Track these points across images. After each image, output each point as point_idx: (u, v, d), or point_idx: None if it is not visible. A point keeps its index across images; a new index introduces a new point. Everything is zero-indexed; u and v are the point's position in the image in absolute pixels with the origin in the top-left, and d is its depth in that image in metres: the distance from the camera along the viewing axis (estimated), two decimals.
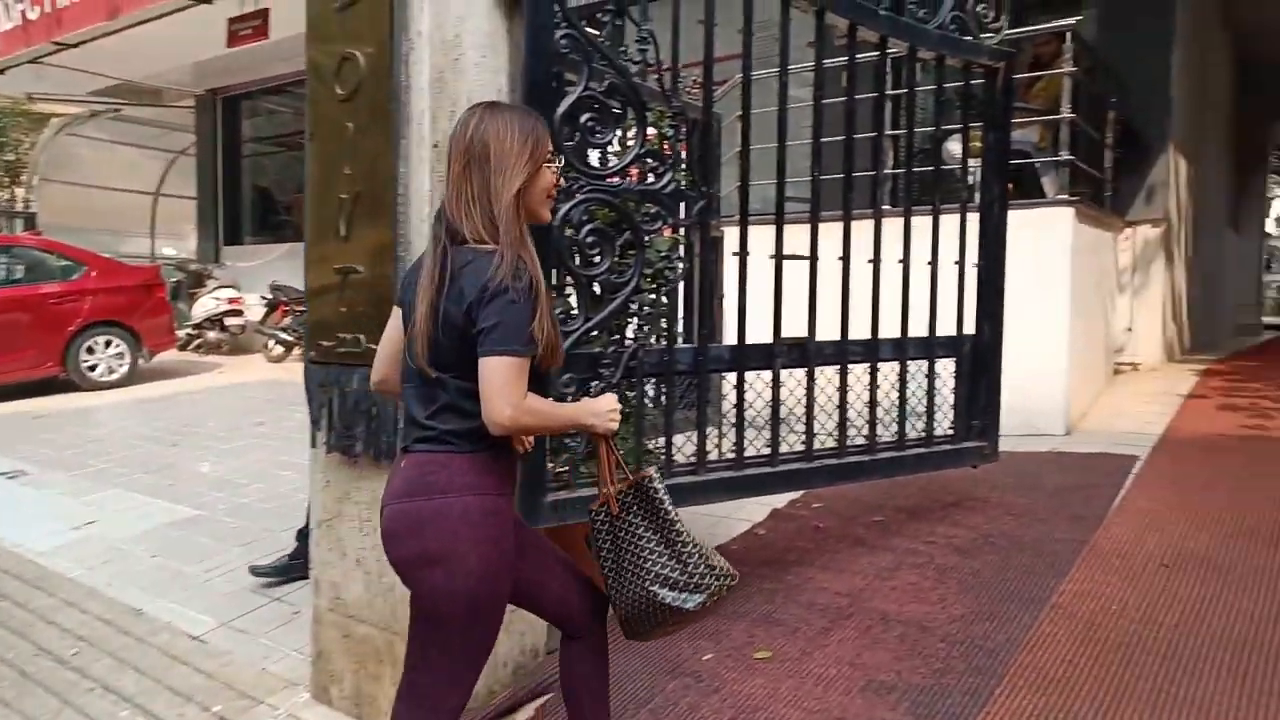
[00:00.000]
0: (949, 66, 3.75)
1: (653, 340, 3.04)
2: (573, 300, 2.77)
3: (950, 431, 3.93)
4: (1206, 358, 7.64)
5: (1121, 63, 6.44)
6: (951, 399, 3.95)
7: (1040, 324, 5.01)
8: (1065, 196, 5.15)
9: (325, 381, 2.64)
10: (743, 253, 3.19)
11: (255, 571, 3.64)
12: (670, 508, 1.82)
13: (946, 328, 3.88)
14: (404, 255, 2.41)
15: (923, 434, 3.80)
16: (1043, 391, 5.05)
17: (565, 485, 2.74)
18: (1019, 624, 2.89)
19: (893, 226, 3.61)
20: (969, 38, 3.76)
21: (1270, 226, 21.12)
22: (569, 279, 2.73)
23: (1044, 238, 5.03)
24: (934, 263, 3.76)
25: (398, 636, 2.48)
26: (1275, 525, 3.57)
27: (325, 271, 2.60)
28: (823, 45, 3.37)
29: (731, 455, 3.19)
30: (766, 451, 3.29)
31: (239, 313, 10.78)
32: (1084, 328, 5.36)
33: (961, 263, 3.89)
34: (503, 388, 1.58)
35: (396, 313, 1.83)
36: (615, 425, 1.81)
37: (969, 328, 3.96)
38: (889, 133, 5.31)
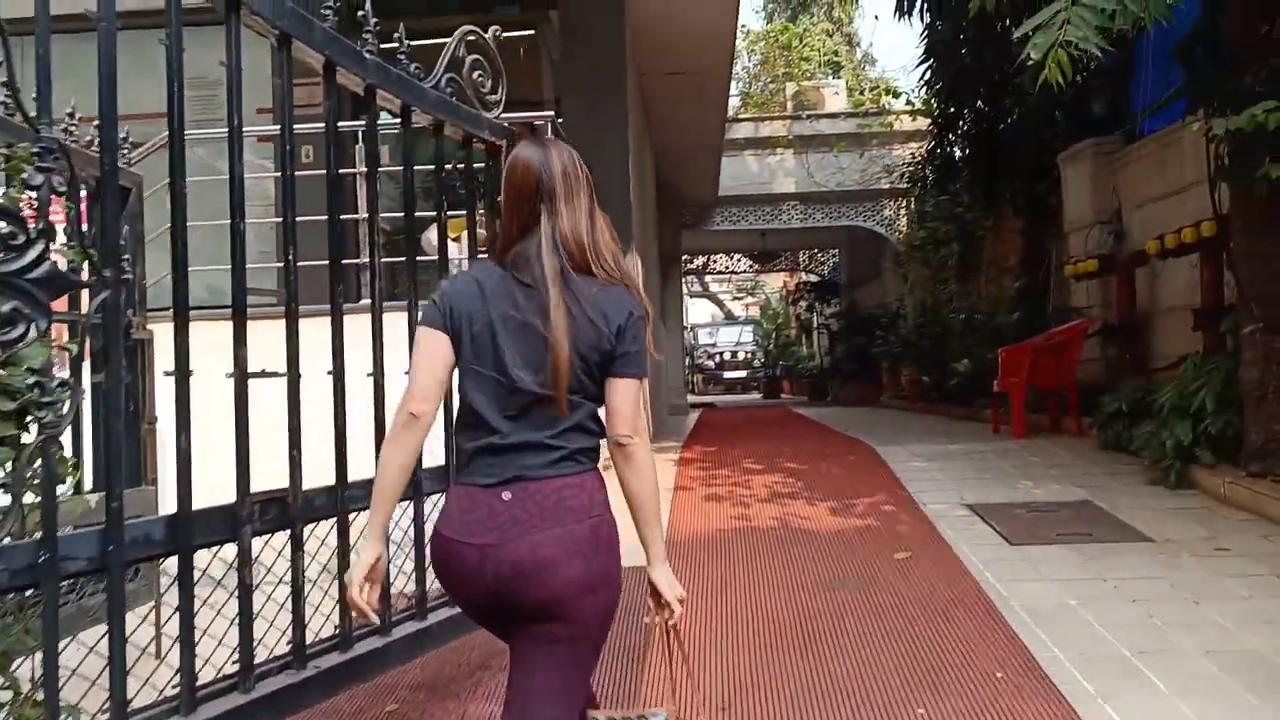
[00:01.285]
0: (447, 141, 3.15)
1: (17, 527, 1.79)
2: None
3: None
4: (672, 444, 8.19)
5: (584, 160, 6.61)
6: None
7: None
8: None
9: None
10: (180, 368, 2.10)
11: None
12: None
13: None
14: None
15: (412, 601, 3.00)
16: None
17: None
18: None
19: (393, 330, 2.84)
20: (469, 107, 3.21)
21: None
22: None
23: None
24: None
25: None
26: (794, 622, 3.50)
27: None
28: (289, 88, 2.47)
29: (176, 688, 2.02)
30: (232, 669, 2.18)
31: None
32: None
33: None
34: (637, 407, 1.68)
35: (434, 336, 1.68)
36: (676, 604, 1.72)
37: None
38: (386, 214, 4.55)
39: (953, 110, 9.84)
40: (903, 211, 14.42)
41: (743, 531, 4.82)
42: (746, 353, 26.68)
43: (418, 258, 3.16)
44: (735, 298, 34.57)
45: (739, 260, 21.26)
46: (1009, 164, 8.83)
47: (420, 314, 1.80)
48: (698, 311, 34.49)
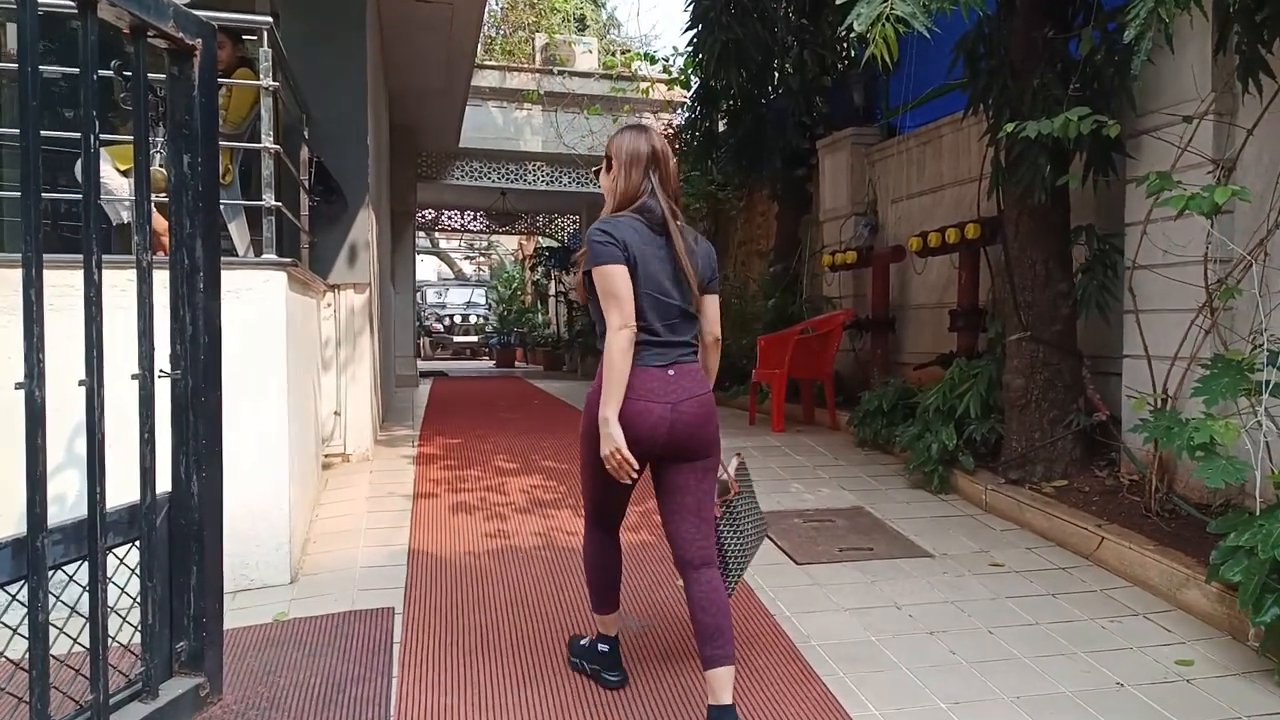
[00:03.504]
0: (107, 29, 2.06)
1: None
2: None
3: (138, 678, 2.19)
4: (406, 432, 7.16)
5: (310, 92, 5.42)
6: (140, 612, 2.21)
7: (250, 437, 3.55)
8: (273, 257, 3.79)
9: None
10: None
11: None
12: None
13: (121, 489, 2.15)
14: None
15: (84, 706, 1.98)
16: (257, 530, 3.59)
17: None
18: None
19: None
20: None
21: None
22: None
23: (248, 314, 3.59)
24: (93, 379, 2.00)
25: None
26: (580, 684, 2.84)
27: None
28: None
29: None
30: None
31: None
32: (300, 429, 4.08)
33: (146, 371, 2.21)
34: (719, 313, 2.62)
35: (623, 270, 2.32)
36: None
37: (163, 482, 2.30)
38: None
39: (714, 85, 9.51)
40: None
41: (502, 554, 4.06)
42: (479, 316, 25.55)
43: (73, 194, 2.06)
44: (467, 256, 33.16)
45: (474, 219, 20.10)
46: (770, 146, 8.66)
47: (599, 253, 2.29)
48: (424, 269, 32.72)
